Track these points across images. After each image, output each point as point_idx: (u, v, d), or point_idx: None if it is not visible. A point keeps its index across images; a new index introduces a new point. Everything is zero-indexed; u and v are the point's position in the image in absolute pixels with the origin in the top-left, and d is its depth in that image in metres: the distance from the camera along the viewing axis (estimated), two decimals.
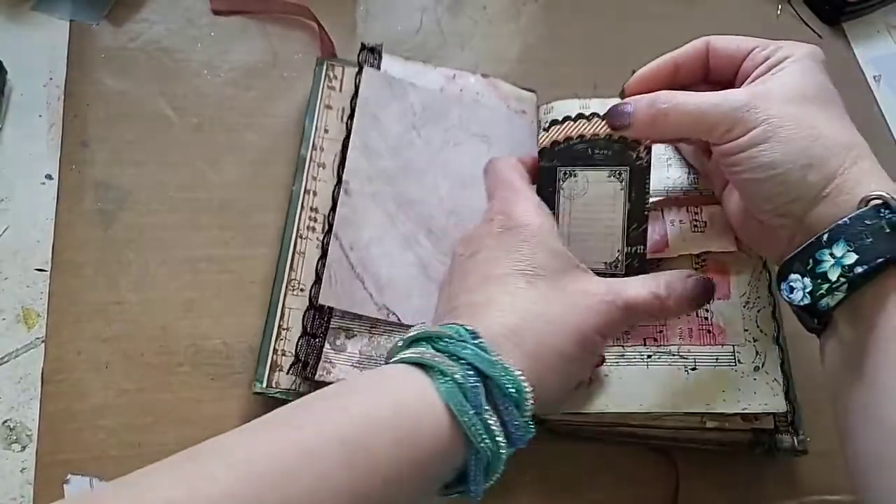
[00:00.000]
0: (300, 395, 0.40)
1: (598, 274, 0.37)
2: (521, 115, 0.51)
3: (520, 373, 0.30)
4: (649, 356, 0.40)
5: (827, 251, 0.31)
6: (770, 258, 0.38)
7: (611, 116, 0.38)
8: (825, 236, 0.32)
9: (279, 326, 0.41)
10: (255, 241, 0.46)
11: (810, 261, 0.32)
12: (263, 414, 0.40)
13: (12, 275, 0.42)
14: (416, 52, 0.54)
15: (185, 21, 0.52)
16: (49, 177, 0.45)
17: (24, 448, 0.38)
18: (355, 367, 0.41)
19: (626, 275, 0.40)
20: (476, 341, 0.30)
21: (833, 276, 0.31)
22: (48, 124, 0.47)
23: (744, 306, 0.40)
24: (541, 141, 0.40)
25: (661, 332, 0.40)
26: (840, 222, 0.31)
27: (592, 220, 0.39)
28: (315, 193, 0.45)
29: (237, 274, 0.45)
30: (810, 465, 0.43)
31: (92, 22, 0.51)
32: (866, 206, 0.31)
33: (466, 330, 0.31)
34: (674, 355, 0.40)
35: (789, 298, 0.33)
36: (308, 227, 0.44)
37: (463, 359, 0.30)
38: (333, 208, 0.44)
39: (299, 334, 0.41)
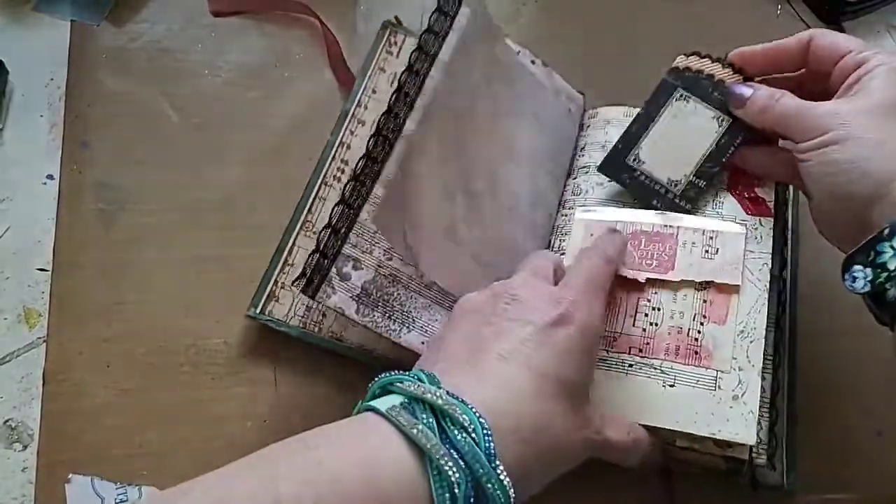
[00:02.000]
0: (291, 328, 0.42)
1: (654, 191, 0.43)
2: (569, 113, 0.50)
3: (513, 492, 0.28)
4: (630, 365, 0.39)
5: (888, 243, 0.33)
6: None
7: (731, 95, 0.43)
8: (886, 230, 0.34)
9: (284, 261, 0.44)
10: (256, 241, 0.46)
11: (872, 252, 0.34)
12: (263, 411, 0.41)
13: (14, 275, 0.42)
14: None
15: (185, 21, 0.52)
16: (50, 177, 0.46)
17: (25, 447, 0.38)
18: (354, 300, 0.40)
19: (680, 199, 0.43)
20: (490, 453, 0.28)
21: (892, 265, 0.33)
22: (49, 124, 0.47)
23: (738, 335, 0.39)
24: (677, 62, 0.45)
25: (647, 344, 0.40)
26: None
27: (680, 144, 0.43)
28: (349, 147, 0.47)
29: (237, 274, 0.45)
30: (815, 466, 0.42)
31: (93, 22, 0.51)
32: None
33: (486, 432, 0.28)
34: (655, 369, 0.39)
35: (851, 287, 0.35)
36: (334, 177, 0.46)
37: (465, 459, 0.27)
38: (364, 157, 0.41)
39: (311, 250, 0.40)
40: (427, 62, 0.45)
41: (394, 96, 0.44)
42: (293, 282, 0.40)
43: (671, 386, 0.39)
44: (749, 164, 0.44)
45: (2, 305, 0.42)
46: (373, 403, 0.29)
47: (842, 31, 0.62)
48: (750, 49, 0.44)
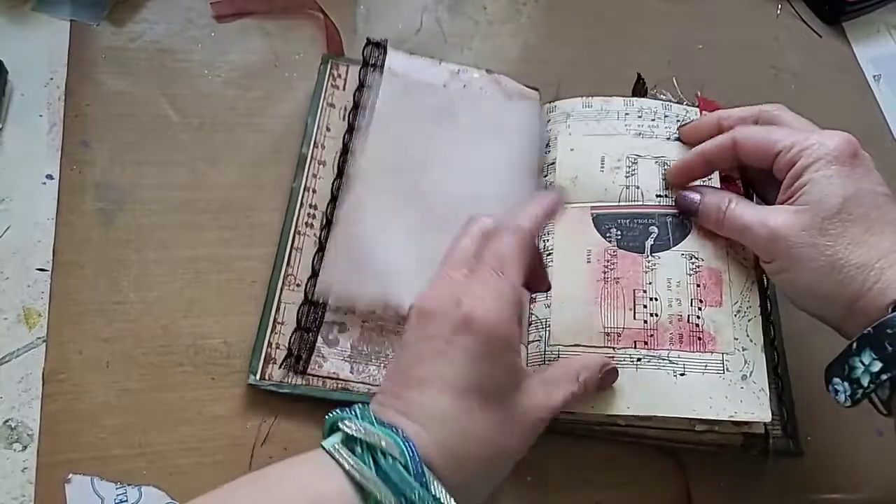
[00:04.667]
0: (294, 387, 0.41)
1: None
2: (527, 112, 0.50)
3: None
4: (639, 359, 0.40)
5: (857, 359, 0.34)
6: None
7: (681, 201, 0.43)
8: (854, 345, 0.34)
9: (274, 320, 0.42)
10: (255, 241, 0.46)
11: (846, 367, 0.34)
12: (263, 411, 0.41)
13: (13, 275, 0.42)
14: (417, 52, 0.54)
15: (185, 21, 0.52)
16: (50, 177, 0.46)
17: (25, 448, 0.38)
18: (346, 361, 0.41)
19: None
20: (421, 475, 0.30)
21: (865, 381, 0.34)
22: (49, 124, 0.47)
23: (735, 314, 0.40)
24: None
25: (651, 336, 0.40)
26: (866, 332, 0.33)
27: None
28: (314, 191, 0.46)
29: (237, 274, 0.45)
30: (816, 466, 0.43)
31: (92, 22, 0.51)
32: (892, 311, 0.33)
33: (413, 456, 0.30)
34: (663, 360, 0.39)
35: (836, 399, 0.36)
36: (306, 224, 0.45)
37: (398, 486, 0.29)
38: (332, 202, 0.45)
39: (293, 328, 0.42)
40: (366, 116, 0.47)
41: (342, 159, 0.46)
42: (281, 363, 0.41)
43: (681, 375, 0.39)
44: None
45: (1, 305, 0.42)
46: (323, 442, 0.31)
47: (842, 30, 0.62)
48: (683, 163, 0.43)
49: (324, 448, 0.31)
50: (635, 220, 0.43)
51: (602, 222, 0.44)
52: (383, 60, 0.50)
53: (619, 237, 0.43)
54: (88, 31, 0.51)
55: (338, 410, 0.32)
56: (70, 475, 0.38)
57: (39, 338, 0.41)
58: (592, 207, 0.45)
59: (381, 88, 0.48)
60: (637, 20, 0.60)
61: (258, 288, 0.44)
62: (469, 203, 0.45)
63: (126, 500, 0.38)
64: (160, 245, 0.45)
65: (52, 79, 0.49)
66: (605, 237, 0.43)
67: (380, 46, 0.50)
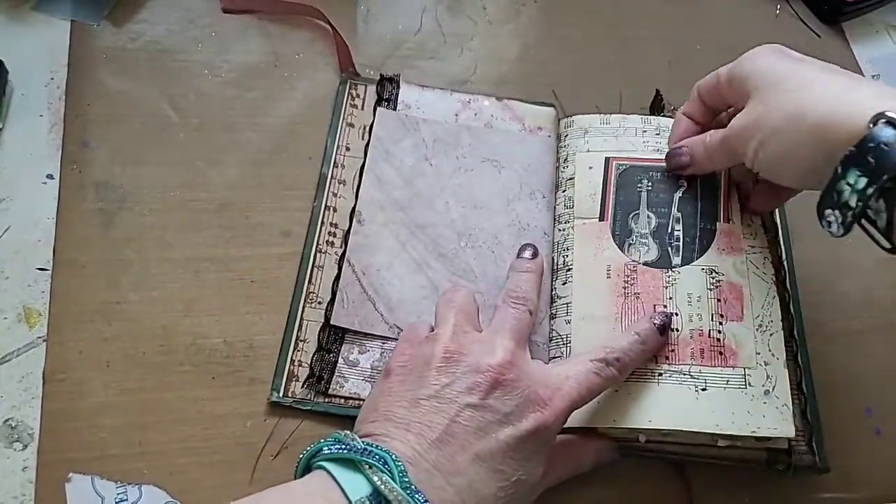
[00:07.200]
0: (316, 404, 0.41)
1: None
2: (537, 132, 0.51)
3: None
4: (660, 374, 0.39)
5: (843, 181, 0.33)
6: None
7: (671, 160, 0.45)
8: (839, 168, 0.33)
9: (297, 338, 0.43)
10: (256, 241, 0.46)
11: (834, 194, 0.34)
12: (263, 410, 0.41)
13: (14, 274, 0.43)
14: (416, 52, 0.54)
15: (185, 21, 0.53)
16: (50, 176, 0.46)
17: (25, 447, 0.38)
18: (367, 381, 0.42)
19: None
20: None
21: (853, 202, 0.33)
22: (49, 124, 0.47)
23: (757, 329, 0.40)
24: None
25: (672, 350, 0.40)
26: (848, 152, 0.33)
27: None
28: (335, 210, 0.47)
29: (237, 273, 0.45)
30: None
31: (93, 22, 0.51)
32: (873, 125, 0.32)
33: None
34: (685, 374, 0.39)
35: (830, 232, 0.35)
36: (327, 242, 0.46)
37: None
38: (352, 220, 0.45)
39: (315, 348, 0.42)
40: (369, 154, 0.49)
41: (360, 179, 0.47)
42: (303, 383, 0.42)
43: (703, 390, 0.39)
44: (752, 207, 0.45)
45: (2, 305, 0.42)
46: (341, 483, 0.31)
47: (841, 30, 0.62)
48: (674, 134, 0.46)
49: (348, 499, 0.30)
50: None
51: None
52: (397, 94, 0.51)
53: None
54: (89, 31, 0.51)
55: (351, 437, 0.32)
56: (70, 474, 0.38)
57: (40, 337, 0.41)
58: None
59: (375, 127, 0.49)
60: (637, 20, 0.60)
61: (258, 287, 0.44)
62: (474, 232, 0.47)
63: (126, 500, 0.38)
64: (160, 245, 0.45)
65: (52, 79, 0.49)
66: (624, 252, 0.43)
67: (393, 81, 0.51)
